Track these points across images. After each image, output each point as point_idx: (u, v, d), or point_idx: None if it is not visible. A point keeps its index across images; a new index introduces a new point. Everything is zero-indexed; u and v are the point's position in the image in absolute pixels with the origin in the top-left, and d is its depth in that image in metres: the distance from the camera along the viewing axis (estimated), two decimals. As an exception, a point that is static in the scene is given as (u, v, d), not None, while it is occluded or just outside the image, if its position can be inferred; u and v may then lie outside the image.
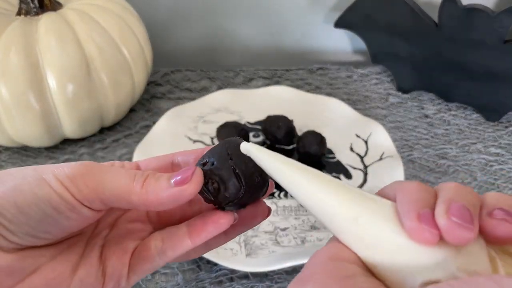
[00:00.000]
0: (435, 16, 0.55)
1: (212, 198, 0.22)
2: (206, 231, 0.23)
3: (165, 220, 0.26)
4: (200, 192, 0.22)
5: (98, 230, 0.25)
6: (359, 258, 0.19)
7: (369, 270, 0.18)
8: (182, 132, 0.53)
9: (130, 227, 0.26)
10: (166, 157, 0.26)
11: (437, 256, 0.17)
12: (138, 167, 0.25)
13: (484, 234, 0.18)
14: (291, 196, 0.47)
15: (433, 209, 0.18)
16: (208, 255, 0.38)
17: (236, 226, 0.24)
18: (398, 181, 0.20)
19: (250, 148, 0.22)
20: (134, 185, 0.21)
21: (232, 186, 0.22)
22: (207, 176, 0.22)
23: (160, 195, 0.21)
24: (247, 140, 0.51)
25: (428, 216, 0.17)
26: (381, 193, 0.21)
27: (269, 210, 0.25)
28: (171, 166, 0.25)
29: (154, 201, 0.21)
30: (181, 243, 0.23)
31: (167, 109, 0.56)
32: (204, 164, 0.22)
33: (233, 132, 0.49)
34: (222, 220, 0.22)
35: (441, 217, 0.17)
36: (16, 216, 0.19)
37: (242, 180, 0.22)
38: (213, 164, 0.22)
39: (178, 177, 0.21)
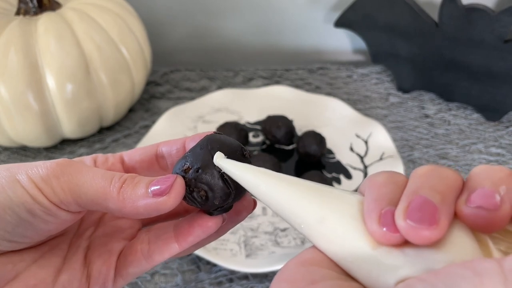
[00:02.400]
0: (435, 16, 0.55)
1: (200, 206, 0.21)
2: (193, 235, 0.22)
3: (154, 216, 0.25)
4: (185, 200, 0.21)
5: (83, 228, 0.24)
6: (333, 261, 0.18)
7: (346, 273, 0.17)
8: (181, 132, 0.53)
9: (117, 224, 0.24)
10: (150, 148, 0.24)
11: (410, 253, 0.16)
12: (122, 160, 0.24)
13: (464, 222, 0.16)
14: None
15: (397, 205, 0.16)
16: (207, 256, 0.38)
17: (223, 225, 0.23)
18: (370, 175, 0.19)
19: (222, 164, 0.20)
20: (110, 190, 0.19)
21: (221, 192, 0.20)
22: (193, 185, 0.20)
23: (136, 204, 0.19)
24: (246, 139, 0.51)
25: (388, 218, 0.16)
26: (360, 190, 0.19)
27: (254, 203, 0.24)
28: (155, 158, 0.24)
29: (130, 210, 0.19)
30: (168, 247, 0.22)
31: (167, 109, 0.56)
32: (186, 170, 0.21)
33: (233, 132, 0.49)
34: (210, 223, 0.21)
35: (398, 219, 0.16)
36: None
37: (231, 185, 0.20)
38: (197, 170, 0.20)
39: (157, 187, 0.19)
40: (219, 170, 0.20)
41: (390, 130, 0.55)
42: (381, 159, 0.49)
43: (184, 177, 0.20)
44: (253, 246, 0.41)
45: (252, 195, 0.21)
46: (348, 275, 0.17)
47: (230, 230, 0.42)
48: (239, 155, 0.21)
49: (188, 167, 0.21)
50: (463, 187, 0.17)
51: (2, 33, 0.45)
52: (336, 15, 0.64)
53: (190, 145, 0.23)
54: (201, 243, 0.23)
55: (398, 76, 0.63)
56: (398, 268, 0.16)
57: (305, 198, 0.19)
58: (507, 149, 0.53)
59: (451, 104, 0.60)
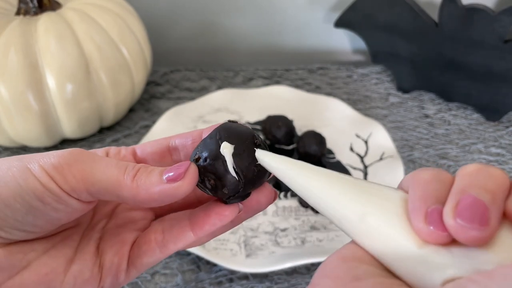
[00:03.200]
0: (435, 16, 0.55)
1: (211, 194, 0.21)
2: (209, 224, 0.22)
3: (167, 206, 0.25)
4: (198, 187, 0.21)
5: (95, 220, 0.24)
6: (374, 257, 0.17)
7: (388, 269, 0.17)
8: (181, 132, 0.53)
9: (130, 216, 0.24)
10: (163, 141, 0.24)
11: (457, 252, 0.15)
12: (134, 152, 0.24)
13: None
14: (291, 197, 0.47)
15: (444, 203, 0.16)
16: (207, 256, 0.38)
17: (241, 213, 0.23)
18: (414, 172, 0.18)
19: (262, 158, 0.21)
20: (124, 178, 0.19)
21: (230, 182, 0.20)
22: (202, 174, 0.20)
23: (151, 191, 0.19)
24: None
25: (435, 216, 0.16)
26: (401, 186, 0.19)
27: (275, 194, 0.23)
28: (168, 150, 0.24)
29: (144, 197, 0.19)
30: (183, 235, 0.22)
31: (167, 109, 0.56)
32: (197, 160, 0.21)
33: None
34: (227, 212, 0.21)
35: (447, 217, 0.15)
36: (1, 210, 0.18)
37: (240, 174, 0.20)
38: (206, 160, 0.20)
39: (171, 173, 0.19)
40: (223, 160, 0.20)
41: (390, 130, 0.55)
42: (381, 159, 0.49)
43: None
44: (253, 246, 0.41)
45: (287, 187, 0.20)
46: (391, 272, 0.17)
47: (230, 230, 0.42)
48: (249, 143, 0.21)
49: (198, 156, 0.21)
50: (511, 188, 0.17)
51: (2, 33, 0.45)
52: (336, 15, 0.64)
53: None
54: (217, 232, 0.23)
55: (398, 76, 0.63)
56: (446, 268, 0.15)
57: (345, 193, 0.18)
58: (507, 149, 0.53)
59: (451, 104, 0.60)
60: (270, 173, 0.22)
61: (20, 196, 0.18)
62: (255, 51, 0.72)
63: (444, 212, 0.16)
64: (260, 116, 0.55)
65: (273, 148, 0.52)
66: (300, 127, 0.54)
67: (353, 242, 0.18)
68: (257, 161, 0.21)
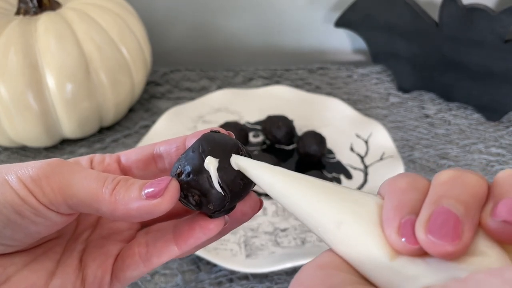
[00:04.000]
0: (435, 16, 0.55)
1: (196, 209, 0.20)
2: (193, 237, 0.21)
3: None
4: (181, 202, 0.20)
5: (79, 231, 0.23)
6: (351, 265, 0.17)
7: (365, 277, 0.17)
8: (181, 132, 0.53)
9: (115, 226, 0.24)
10: (148, 148, 0.23)
11: (431, 262, 0.15)
12: (119, 160, 0.23)
13: (489, 235, 0.15)
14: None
15: (418, 213, 0.16)
16: (207, 256, 0.38)
17: (226, 225, 0.22)
18: (391, 178, 0.18)
19: (239, 164, 0.20)
20: (102, 192, 0.19)
21: (215, 197, 0.19)
22: (185, 189, 0.19)
23: (129, 206, 0.18)
24: (246, 139, 0.51)
25: (408, 229, 0.15)
26: (379, 192, 0.19)
27: (260, 203, 0.23)
28: (153, 158, 0.23)
29: (122, 212, 0.19)
30: (167, 249, 0.21)
31: (167, 109, 0.56)
32: (179, 174, 0.20)
33: (233, 132, 0.49)
34: (211, 225, 0.21)
35: (419, 232, 0.15)
36: None
37: (226, 189, 0.19)
38: (189, 175, 0.19)
39: (150, 189, 0.19)
40: (208, 175, 0.19)
41: (390, 130, 0.55)
42: (381, 159, 0.49)
43: (178, 181, 0.20)
44: (253, 246, 0.41)
45: (267, 194, 0.20)
46: (368, 280, 0.17)
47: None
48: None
49: (181, 171, 0.20)
50: (488, 194, 0.16)
51: (2, 33, 0.45)
52: (336, 15, 0.64)
53: (191, 142, 0.22)
54: (202, 245, 0.22)
55: (398, 76, 0.62)
56: (420, 277, 0.15)
57: (322, 199, 0.18)
58: (507, 149, 0.53)
59: (451, 104, 0.60)
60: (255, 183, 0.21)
61: None
62: (255, 51, 0.72)
63: (416, 226, 0.15)
64: (260, 116, 0.55)
65: (273, 148, 0.52)
66: (300, 127, 0.54)
67: (330, 249, 0.18)
68: (242, 175, 0.20)
